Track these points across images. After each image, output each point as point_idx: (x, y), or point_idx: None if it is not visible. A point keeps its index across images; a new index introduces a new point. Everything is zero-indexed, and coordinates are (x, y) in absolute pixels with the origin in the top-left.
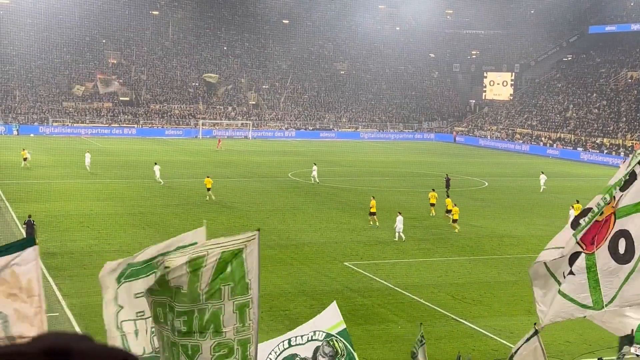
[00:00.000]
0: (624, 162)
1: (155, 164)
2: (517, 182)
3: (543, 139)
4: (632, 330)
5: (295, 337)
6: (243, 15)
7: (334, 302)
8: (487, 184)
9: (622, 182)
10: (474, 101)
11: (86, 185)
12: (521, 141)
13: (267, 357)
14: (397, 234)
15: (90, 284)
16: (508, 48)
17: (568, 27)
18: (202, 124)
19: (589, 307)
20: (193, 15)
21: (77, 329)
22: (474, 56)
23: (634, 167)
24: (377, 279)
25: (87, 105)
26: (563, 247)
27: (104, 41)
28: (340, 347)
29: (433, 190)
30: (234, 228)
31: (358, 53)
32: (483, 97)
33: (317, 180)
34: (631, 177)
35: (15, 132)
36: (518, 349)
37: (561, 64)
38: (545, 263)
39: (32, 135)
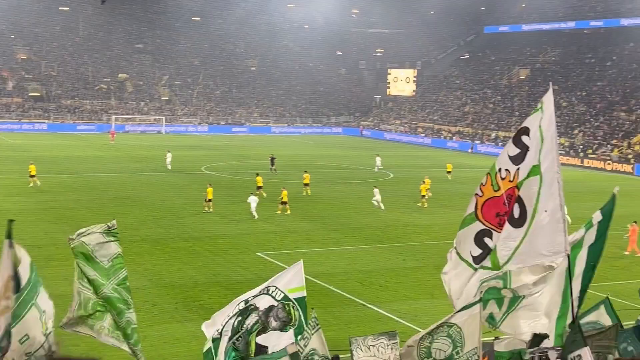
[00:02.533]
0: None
1: (168, 151)
2: (419, 173)
3: (444, 132)
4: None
5: (252, 292)
6: (154, 12)
7: (301, 261)
8: (392, 175)
9: (513, 156)
10: (379, 96)
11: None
12: (423, 134)
13: (222, 320)
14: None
15: None
16: (410, 46)
17: (465, 27)
18: (115, 119)
19: (487, 268)
20: (103, 12)
21: None
22: (378, 54)
23: (519, 136)
24: (280, 264)
25: None
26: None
27: (12, 36)
28: (295, 316)
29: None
30: (147, 221)
31: (268, 50)
32: (387, 93)
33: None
34: (523, 150)
35: None
36: (458, 312)
37: (459, 62)
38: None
39: None
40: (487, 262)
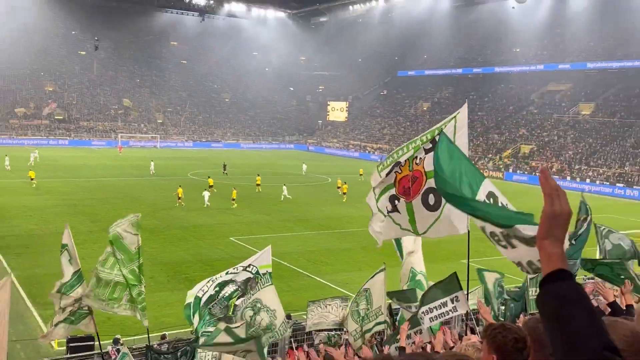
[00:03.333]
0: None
1: (152, 160)
2: (349, 178)
3: (368, 148)
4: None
5: (232, 269)
6: (152, 56)
7: (270, 246)
8: (329, 179)
9: (426, 148)
10: (321, 121)
11: (27, 184)
12: (353, 150)
13: (204, 284)
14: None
15: (31, 259)
16: (344, 85)
17: (384, 71)
18: (121, 137)
19: (409, 231)
20: (112, 55)
21: (23, 295)
22: (320, 90)
23: (435, 136)
24: (254, 249)
25: (28, 123)
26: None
27: (42, 73)
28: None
29: (258, 174)
30: (145, 215)
31: (239, 86)
32: (327, 119)
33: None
34: (434, 145)
35: None
36: (370, 280)
37: (379, 97)
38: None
39: None
40: (407, 226)
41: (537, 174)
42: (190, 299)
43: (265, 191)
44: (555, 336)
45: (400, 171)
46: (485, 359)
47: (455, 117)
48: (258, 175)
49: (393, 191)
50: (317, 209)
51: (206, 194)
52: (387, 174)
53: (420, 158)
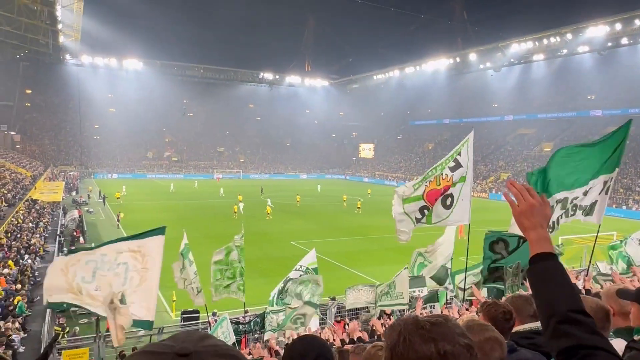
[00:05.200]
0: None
1: (240, 201)
2: (377, 198)
3: (389, 176)
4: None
5: (292, 272)
6: (236, 116)
7: (314, 249)
8: (362, 200)
9: (448, 166)
10: (355, 157)
11: (154, 204)
12: (378, 177)
13: (277, 288)
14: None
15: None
16: (371, 131)
17: (400, 121)
18: (216, 171)
19: (422, 222)
20: (210, 115)
21: None
22: (354, 135)
23: (455, 156)
24: (306, 249)
25: (155, 162)
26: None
27: (164, 129)
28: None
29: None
30: (235, 226)
31: (296, 133)
32: (359, 156)
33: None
34: (457, 165)
35: (114, 176)
36: (397, 276)
37: (397, 140)
38: (406, 213)
39: (126, 178)
40: (424, 221)
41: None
42: (272, 295)
43: (311, 207)
44: (539, 303)
45: (428, 185)
46: None
47: (467, 140)
48: (297, 195)
49: (423, 202)
50: (351, 218)
51: (240, 206)
52: (417, 189)
53: (447, 174)
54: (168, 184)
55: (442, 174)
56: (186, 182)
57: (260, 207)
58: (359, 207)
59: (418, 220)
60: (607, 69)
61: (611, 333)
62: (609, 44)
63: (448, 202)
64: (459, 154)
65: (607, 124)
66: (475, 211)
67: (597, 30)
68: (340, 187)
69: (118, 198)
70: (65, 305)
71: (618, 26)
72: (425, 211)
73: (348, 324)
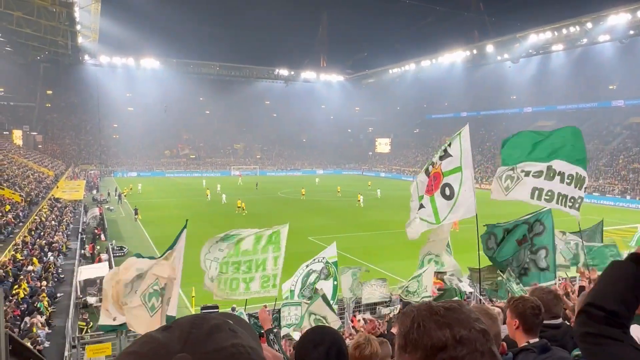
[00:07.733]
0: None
1: (223, 194)
2: (389, 192)
3: (405, 171)
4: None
5: (310, 261)
6: (252, 112)
7: (335, 242)
8: (379, 193)
9: (440, 156)
10: (371, 153)
11: (169, 201)
12: (395, 172)
13: (295, 276)
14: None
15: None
16: (387, 126)
17: (416, 115)
18: (234, 168)
19: (432, 223)
20: (226, 112)
21: None
22: (370, 130)
23: (445, 147)
24: (324, 245)
25: (172, 160)
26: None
27: (181, 127)
28: (332, 271)
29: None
30: (251, 221)
31: (312, 130)
32: (375, 151)
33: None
34: (446, 154)
35: (133, 174)
36: (424, 272)
37: (413, 134)
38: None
39: (145, 177)
40: (431, 219)
41: None
42: (287, 292)
43: (323, 202)
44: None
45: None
46: (509, 324)
47: (459, 133)
48: (302, 189)
49: (424, 196)
50: (367, 214)
51: (224, 197)
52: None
53: (437, 163)
54: (191, 181)
55: (433, 163)
56: (200, 179)
57: (260, 203)
58: (359, 201)
59: (419, 210)
60: (629, 58)
61: None
62: (631, 32)
63: (447, 191)
64: (449, 144)
65: (629, 114)
66: (490, 205)
67: (618, 19)
68: (357, 183)
69: (125, 195)
70: (116, 327)
71: None
72: (423, 201)
73: (366, 320)
